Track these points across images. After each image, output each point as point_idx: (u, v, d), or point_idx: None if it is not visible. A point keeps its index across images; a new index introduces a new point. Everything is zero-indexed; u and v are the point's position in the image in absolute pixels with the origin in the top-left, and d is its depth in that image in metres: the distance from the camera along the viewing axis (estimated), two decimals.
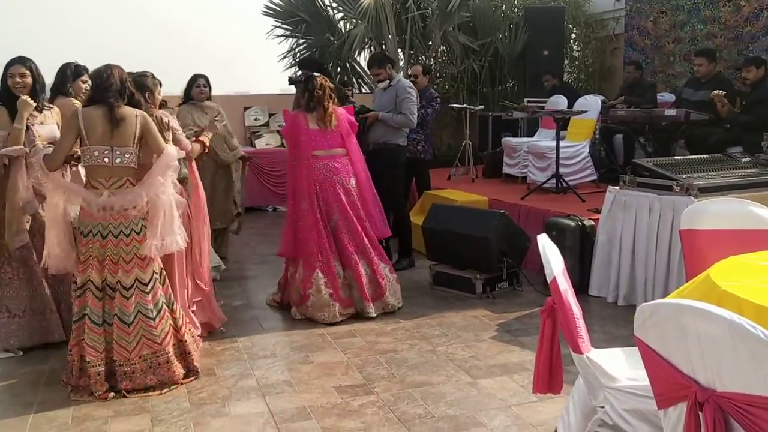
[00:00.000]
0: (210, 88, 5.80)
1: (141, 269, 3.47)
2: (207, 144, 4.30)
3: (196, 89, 5.70)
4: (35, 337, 4.00)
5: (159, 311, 3.52)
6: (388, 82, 5.70)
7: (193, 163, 4.22)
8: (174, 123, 4.01)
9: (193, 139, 4.27)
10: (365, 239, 4.69)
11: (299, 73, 5.77)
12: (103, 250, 3.43)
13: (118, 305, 3.45)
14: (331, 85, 4.77)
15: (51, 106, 4.12)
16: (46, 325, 4.01)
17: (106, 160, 3.42)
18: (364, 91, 9.92)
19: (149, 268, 3.50)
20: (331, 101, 4.71)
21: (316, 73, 4.85)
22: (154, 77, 4.03)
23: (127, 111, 3.46)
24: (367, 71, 10.08)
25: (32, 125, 3.88)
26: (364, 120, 5.67)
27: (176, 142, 3.88)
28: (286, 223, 4.79)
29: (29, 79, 3.94)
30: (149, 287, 3.50)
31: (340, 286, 4.57)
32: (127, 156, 3.45)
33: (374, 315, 4.55)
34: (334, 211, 4.66)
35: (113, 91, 3.44)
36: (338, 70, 10.02)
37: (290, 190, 4.78)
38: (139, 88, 3.74)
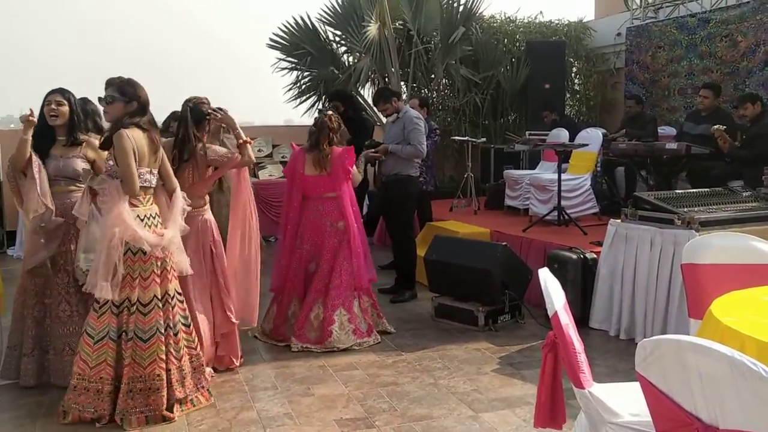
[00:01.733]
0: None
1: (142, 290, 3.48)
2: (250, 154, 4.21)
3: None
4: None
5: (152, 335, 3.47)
6: (396, 115, 5.77)
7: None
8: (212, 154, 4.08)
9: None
10: (335, 282, 4.70)
11: (330, 104, 5.93)
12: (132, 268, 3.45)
13: (135, 323, 3.44)
14: (332, 125, 4.79)
15: (85, 138, 4.07)
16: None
17: (153, 181, 3.53)
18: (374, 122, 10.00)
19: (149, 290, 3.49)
20: (327, 143, 4.73)
21: (328, 111, 4.94)
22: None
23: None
24: (370, 103, 10.21)
25: (59, 158, 3.94)
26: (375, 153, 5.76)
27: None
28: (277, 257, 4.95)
29: (65, 108, 3.95)
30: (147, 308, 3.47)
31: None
32: (157, 177, 3.58)
33: (294, 350, 4.56)
34: (318, 253, 4.76)
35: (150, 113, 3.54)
36: None
37: (283, 224, 4.93)
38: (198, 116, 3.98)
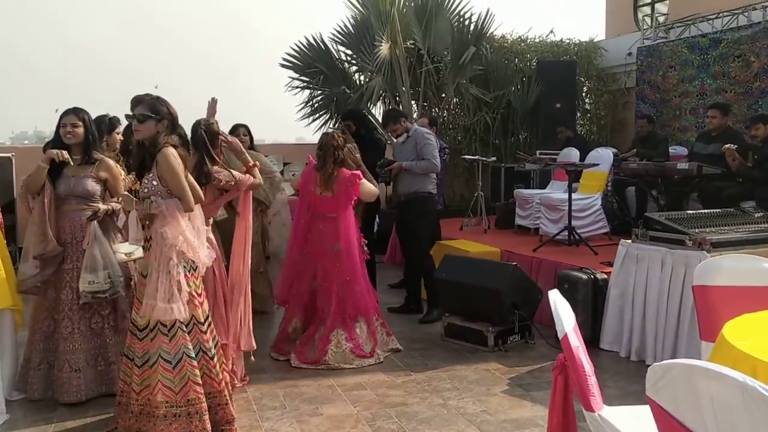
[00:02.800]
0: (251, 137, 5.82)
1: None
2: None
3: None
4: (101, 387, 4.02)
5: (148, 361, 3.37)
6: (405, 134, 5.80)
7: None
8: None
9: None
10: (335, 305, 4.73)
11: (342, 123, 5.98)
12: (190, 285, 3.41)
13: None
14: (337, 143, 4.81)
15: (99, 157, 4.10)
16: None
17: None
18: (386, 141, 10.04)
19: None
20: (333, 161, 4.76)
21: (330, 131, 4.97)
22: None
23: None
24: (381, 122, 10.25)
25: (71, 177, 3.97)
26: (389, 172, 5.77)
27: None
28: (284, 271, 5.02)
29: (80, 130, 4.00)
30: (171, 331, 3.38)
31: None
32: None
33: (293, 365, 4.61)
34: (317, 271, 4.81)
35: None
36: None
37: (291, 237, 5.00)
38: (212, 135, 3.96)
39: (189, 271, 3.36)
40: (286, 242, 5.76)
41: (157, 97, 3.44)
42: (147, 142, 3.38)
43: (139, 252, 4.17)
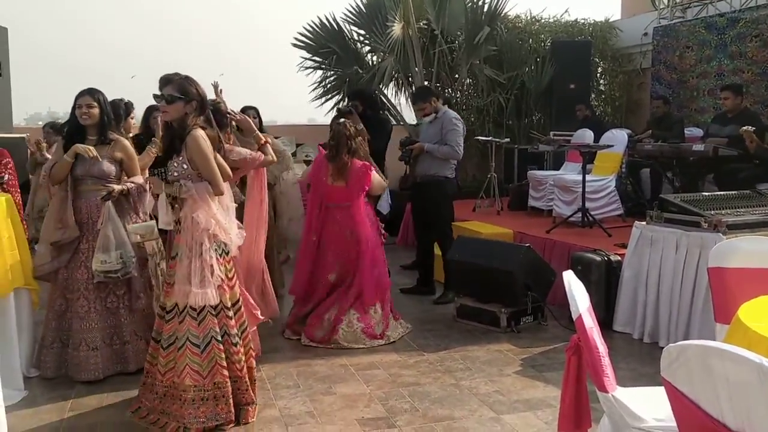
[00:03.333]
0: (260, 119, 5.78)
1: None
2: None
3: None
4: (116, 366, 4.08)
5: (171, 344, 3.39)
6: (434, 115, 5.71)
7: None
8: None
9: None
10: (352, 291, 4.76)
11: (350, 104, 5.91)
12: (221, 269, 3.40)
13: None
14: (349, 132, 4.79)
15: (115, 138, 4.11)
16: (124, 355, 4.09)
17: None
18: (391, 122, 9.99)
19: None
20: (346, 152, 4.75)
21: (341, 119, 4.94)
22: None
23: None
24: (393, 103, 10.21)
25: (87, 158, 3.96)
26: (410, 151, 5.71)
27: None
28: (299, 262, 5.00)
29: (96, 110, 4.01)
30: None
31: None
32: None
33: (303, 344, 4.67)
34: (340, 262, 4.82)
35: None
36: None
37: (306, 230, 4.98)
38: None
39: (221, 255, 3.37)
40: (289, 221, 5.79)
41: (186, 77, 3.37)
42: (175, 123, 3.33)
43: (154, 233, 4.20)
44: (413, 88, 9.74)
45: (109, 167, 4.04)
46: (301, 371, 4.21)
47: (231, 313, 3.42)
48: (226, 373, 3.35)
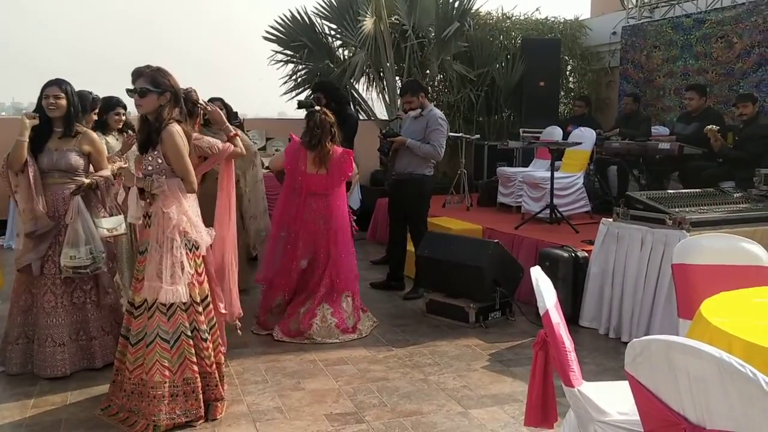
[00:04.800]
0: (228, 110, 5.74)
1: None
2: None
3: None
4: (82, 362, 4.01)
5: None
6: (419, 111, 5.66)
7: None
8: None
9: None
10: (324, 280, 4.76)
11: (313, 96, 5.79)
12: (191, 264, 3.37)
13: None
14: (332, 120, 4.79)
15: (82, 131, 4.04)
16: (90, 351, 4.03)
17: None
18: (362, 117, 9.98)
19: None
20: (329, 141, 4.74)
21: (316, 108, 4.88)
22: None
23: None
24: (365, 98, 10.20)
25: (53, 151, 3.89)
26: (390, 143, 5.65)
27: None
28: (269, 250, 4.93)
29: (63, 102, 3.92)
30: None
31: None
32: None
33: (276, 338, 4.65)
34: (311, 250, 4.79)
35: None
36: None
37: (276, 217, 4.91)
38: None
39: (190, 250, 3.34)
40: (251, 218, 5.72)
41: (158, 69, 3.33)
42: (151, 117, 3.30)
43: (122, 227, 4.13)
44: (384, 83, 9.76)
45: (77, 160, 3.96)
46: (270, 367, 4.19)
47: (200, 309, 3.39)
48: (195, 368, 3.33)
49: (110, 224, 4.01)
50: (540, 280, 2.34)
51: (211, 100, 5.63)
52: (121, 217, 4.15)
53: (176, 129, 3.28)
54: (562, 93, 10.65)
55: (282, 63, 10.20)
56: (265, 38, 10.04)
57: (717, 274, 2.80)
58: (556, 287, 2.44)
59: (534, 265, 2.61)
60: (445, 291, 5.26)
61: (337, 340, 4.63)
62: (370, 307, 5.19)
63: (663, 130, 8.07)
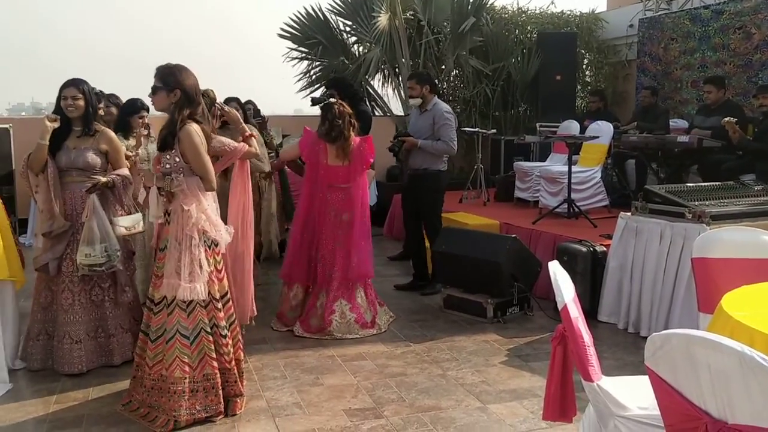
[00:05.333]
0: (244, 111, 5.70)
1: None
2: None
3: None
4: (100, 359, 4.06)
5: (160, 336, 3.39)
6: (421, 100, 5.63)
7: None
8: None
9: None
10: (337, 273, 4.75)
11: (326, 92, 5.77)
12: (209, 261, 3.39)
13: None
14: (350, 111, 4.81)
15: (100, 129, 4.07)
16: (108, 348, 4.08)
17: None
18: (377, 113, 9.98)
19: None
20: (351, 129, 4.75)
21: (332, 100, 4.88)
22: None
23: None
24: (380, 94, 10.20)
25: (71, 149, 3.94)
26: (401, 143, 5.65)
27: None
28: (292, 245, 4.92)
29: (81, 102, 3.95)
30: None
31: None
32: None
33: (297, 334, 4.68)
34: (318, 240, 4.79)
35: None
36: None
37: (298, 211, 4.93)
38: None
39: (209, 247, 3.36)
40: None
41: (169, 67, 3.35)
42: (168, 114, 3.35)
43: (140, 226, 4.17)
44: (399, 79, 9.74)
45: (95, 159, 4.00)
46: (289, 362, 4.21)
47: (220, 305, 3.42)
48: (215, 364, 3.36)
49: (128, 222, 4.04)
50: (558, 274, 2.33)
51: (228, 101, 5.66)
52: (139, 215, 4.19)
53: (194, 128, 3.30)
54: (579, 87, 10.57)
55: (297, 60, 10.23)
56: (281, 36, 10.06)
57: (738, 268, 2.78)
58: (574, 282, 2.44)
59: (552, 259, 2.59)
60: (462, 286, 5.26)
61: (357, 335, 4.64)
62: (387, 302, 5.20)
63: (681, 123, 8.00)
